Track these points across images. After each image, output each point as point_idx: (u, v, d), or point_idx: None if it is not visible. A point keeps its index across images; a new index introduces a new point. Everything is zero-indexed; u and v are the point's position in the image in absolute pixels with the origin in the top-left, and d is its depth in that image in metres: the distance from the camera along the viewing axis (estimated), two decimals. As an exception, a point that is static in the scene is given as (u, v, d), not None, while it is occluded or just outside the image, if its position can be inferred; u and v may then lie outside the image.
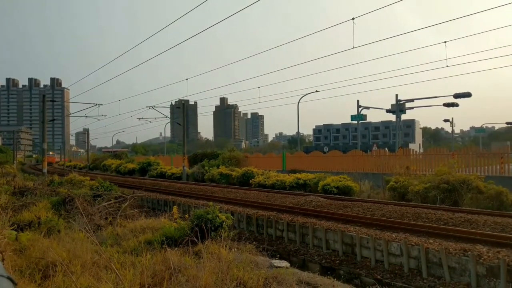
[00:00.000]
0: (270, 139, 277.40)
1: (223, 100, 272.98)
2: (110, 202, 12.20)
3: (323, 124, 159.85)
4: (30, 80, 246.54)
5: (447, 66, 23.96)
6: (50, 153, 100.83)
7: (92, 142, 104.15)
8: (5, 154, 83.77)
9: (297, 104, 41.41)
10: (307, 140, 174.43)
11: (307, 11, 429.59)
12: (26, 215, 10.63)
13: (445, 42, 21.35)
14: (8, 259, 6.07)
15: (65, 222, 9.91)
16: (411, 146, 61.16)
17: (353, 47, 17.65)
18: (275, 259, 7.94)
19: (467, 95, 30.27)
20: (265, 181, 23.43)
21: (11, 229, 8.46)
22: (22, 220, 10.14)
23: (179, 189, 21.78)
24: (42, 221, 9.78)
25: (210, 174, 29.72)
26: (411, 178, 17.52)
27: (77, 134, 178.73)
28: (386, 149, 33.82)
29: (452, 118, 54.51)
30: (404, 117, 35.57)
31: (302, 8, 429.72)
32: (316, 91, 33.90)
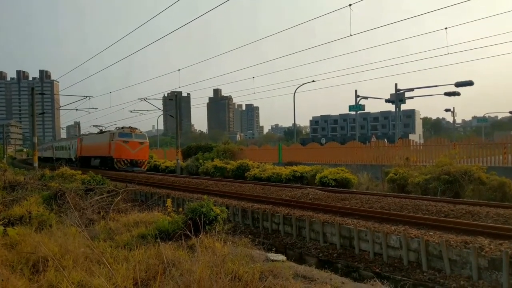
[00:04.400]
0: (265, 131, 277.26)
1: (216, 91, 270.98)
2: (103, 196, 12.01)
3: (320, 115, 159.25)
4: (18, 72, 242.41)
5: (448, 53, 23.74)
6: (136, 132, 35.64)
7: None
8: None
9: (293, 94, 41.00)
10: (304, 131, 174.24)
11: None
12: (17, 210, 10.56)
13: (446, 28, 20.98)
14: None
15: (56, 216, 9.83)
16: (411, 136, 61.14)
17: (350, 35, 17.30)
18: (271, 252, 7.78)
19: (469, 83, 30.04)
20: (260, 174, 23.25)
21: (1, 224, 8.36)
22: (13, 215, 10.06)
23: (173, 183, 21.54)
24: (33, 216, 9.69)
25: (205, 167, 29.57)
26: (411, 170, 17.37)
27: (68, 127, 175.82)
28: (385, 140, 33.76)
29: (454, 108, 54.26)
30: (404, 107, 35.54)
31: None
32: (313, 81, 33.67)
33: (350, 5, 15.05)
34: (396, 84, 32.12)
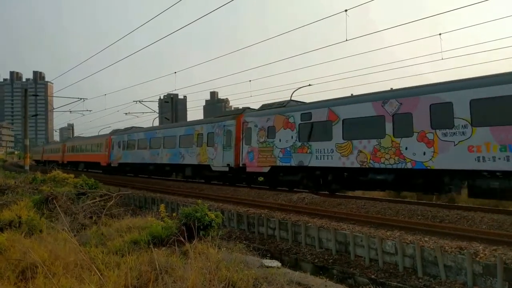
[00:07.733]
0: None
1: (213, 94, 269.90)
2: (95, 200, 11.82)
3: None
4: (11, 73, 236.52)
5: (442, 58, 23.61)
6: None
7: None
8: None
9: (289, 98, 40.55)
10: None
11: (301, 3, 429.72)
12: (6, 214, 10.33)
13: (440, 34, 20.98)
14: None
15: (47, 221, 9.62)
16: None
17: (346, 40, 17.22)
18: (266, 258, 7.68)
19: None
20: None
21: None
22: (3, 220, 9.85)
23: (168, 187, 21.38)
24: (23, 221, 9.48)
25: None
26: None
27: (61, 129, 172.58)
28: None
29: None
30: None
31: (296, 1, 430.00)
32: (309, 85, 33.19)
33: (346, 10, 15.06)
34: (391, 89, 32.03)
